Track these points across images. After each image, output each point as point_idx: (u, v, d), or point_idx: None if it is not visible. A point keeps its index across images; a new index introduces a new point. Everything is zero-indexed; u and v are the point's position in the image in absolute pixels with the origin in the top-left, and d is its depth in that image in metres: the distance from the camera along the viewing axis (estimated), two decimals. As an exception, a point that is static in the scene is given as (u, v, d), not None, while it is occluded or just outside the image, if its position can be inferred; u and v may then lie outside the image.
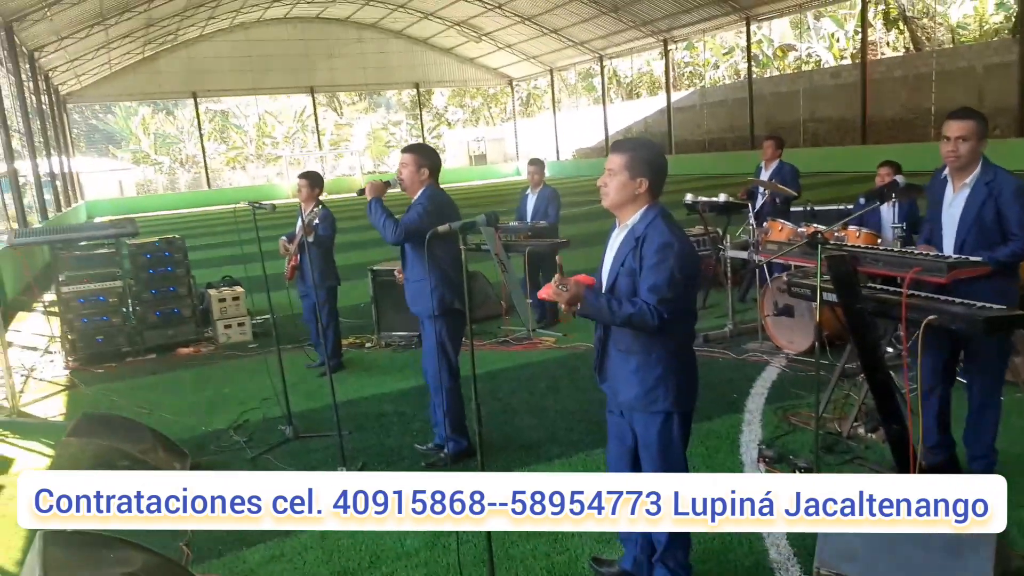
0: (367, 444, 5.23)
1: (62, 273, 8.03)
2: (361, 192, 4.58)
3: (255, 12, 37.96)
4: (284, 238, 7.09)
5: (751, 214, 7.04)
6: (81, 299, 7.96)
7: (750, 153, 30.45)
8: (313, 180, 6.89)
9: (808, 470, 4.24)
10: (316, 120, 46.68)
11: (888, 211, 6.52)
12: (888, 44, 32.79)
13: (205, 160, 44.41)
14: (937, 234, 3.92)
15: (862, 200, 3.72)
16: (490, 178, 43.86)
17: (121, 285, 8.13)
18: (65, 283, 7.99)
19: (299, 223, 7.01)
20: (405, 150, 4.60)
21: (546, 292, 2.83)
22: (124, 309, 8.14)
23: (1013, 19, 25.85)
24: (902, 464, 3.90)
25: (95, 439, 4.46)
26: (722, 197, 7.76)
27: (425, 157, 4.57)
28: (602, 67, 40.95)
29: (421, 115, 49.98)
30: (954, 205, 3.80)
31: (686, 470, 3.06)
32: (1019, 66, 21.33)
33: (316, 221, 6.46)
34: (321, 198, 6.83)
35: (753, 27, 31.59)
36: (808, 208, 6.34)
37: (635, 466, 3.14)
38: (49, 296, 11.37)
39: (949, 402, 4.07)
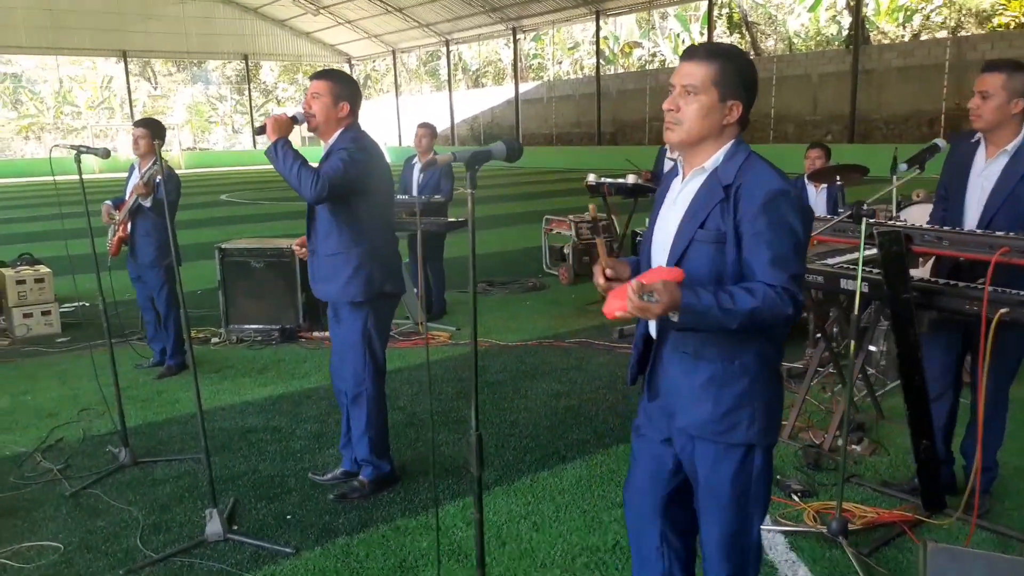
0: (236, 471, 3.98)
1: None
2: (260, 130, 3.35)
3: (57, -41, 33.53)
4: (108, 203, 5.59)
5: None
6: None
7: (597, 148, 30.76)
8: (154, 130, 5.41)
9: (807, 494, 3.55)
10: (128, 88, 42.17)
11: (817, 196, 6.09)
12: (730, 47, 34.11)
13: (-8, 126, 38.86)
14: (956, 208, 3.32)
15: (903, 166, 3.01)
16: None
17: None
18: None
19: (129, 186, 5.54)
20: (318, 75, 3.43)
21: (619, 307, 1.86)
22: None
23: (846, 32, 27.69)
24: (927, 487, 3.28)
25: None
26: (631, 179, 7.07)
27: (345, 87, 3.42)
28: (448, 51, 39.91)
29: (250, 89, 46.53)
30: (986, 174, 3.21)
31: (760, 521, 2.17)
32: (851, 75, 22.67)
33: (159, 178, 5.04)
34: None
35: (600, 22, 31.80)
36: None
37: (672, 512, 2.25)
38: None
39: (956, 411, 3.54)
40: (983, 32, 25.46)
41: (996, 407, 3.35)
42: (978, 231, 2.84)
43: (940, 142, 3.14)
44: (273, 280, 6.52)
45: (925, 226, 3.06)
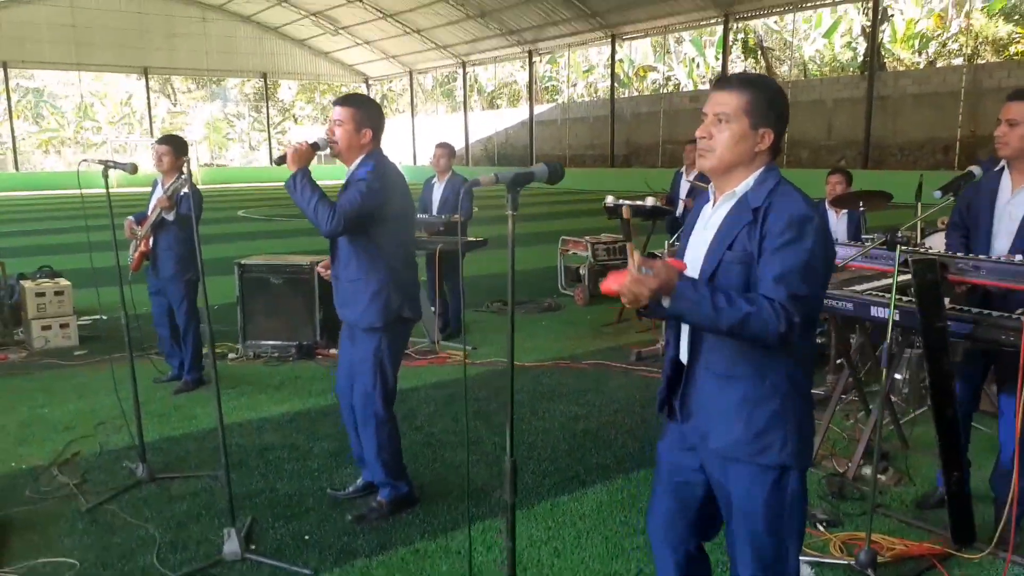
0: (253, 489, 3.95)
1: None
2: (281, 161, 3.37)
3: (83, -23, 34.08)
4: (131, 219, 5.63)
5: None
6: None
7: (611, 170, 30.82)
8: (178, 147, 5.46)
9: (832, 524, 3.49)
10: (149, 103, 42.67)
11: (838, 222, 6.04)
12: (745, 71, 34.15)
13: (14, 140, 39.30)
14: (981, 237, 3.30)
15: (938, 194, 2.99)
16: (340, 178, 41.53)
17: (-102, 270, 6.25)
18: None
19: (152, 201, 5.57)
20: (341, 102, 3.43)
21: (617, 281, 1.90)
22: (-99, 301, 6.27)
23: (861, 57, 27.78)
24: (958, 521, 3.21)
25: None
26: (649, 201, 7.06)
27: (368, 114, 3.43)
28: (464, 73, 40.21)
29: (267, 107, 47.02)
30: (1015, 202, 3.19)
31: (797, 550, 2.13)
32: (866, 101, 22.65)
33: (184, 191, 5.08)
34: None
35: (616, 46, 31.96)
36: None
37: (696, 535, 2.28)
38: None
39: (969, 426, 3.56)
40: (999, 60, 25.42)
41: None
42: (1017, 259, 2.81)
43: (976, 169, 3.13)
44: (291, 297, 6.52)
45: (959, 254, 3.02)
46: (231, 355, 6.51)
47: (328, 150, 3.42)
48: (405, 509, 3.67)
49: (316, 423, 4.90)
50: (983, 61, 25.52)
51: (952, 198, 3.00)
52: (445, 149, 7.01)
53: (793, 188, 2.01)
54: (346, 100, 3.43)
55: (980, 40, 26.71)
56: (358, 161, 3.44)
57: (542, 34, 32.63)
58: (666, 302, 1.87)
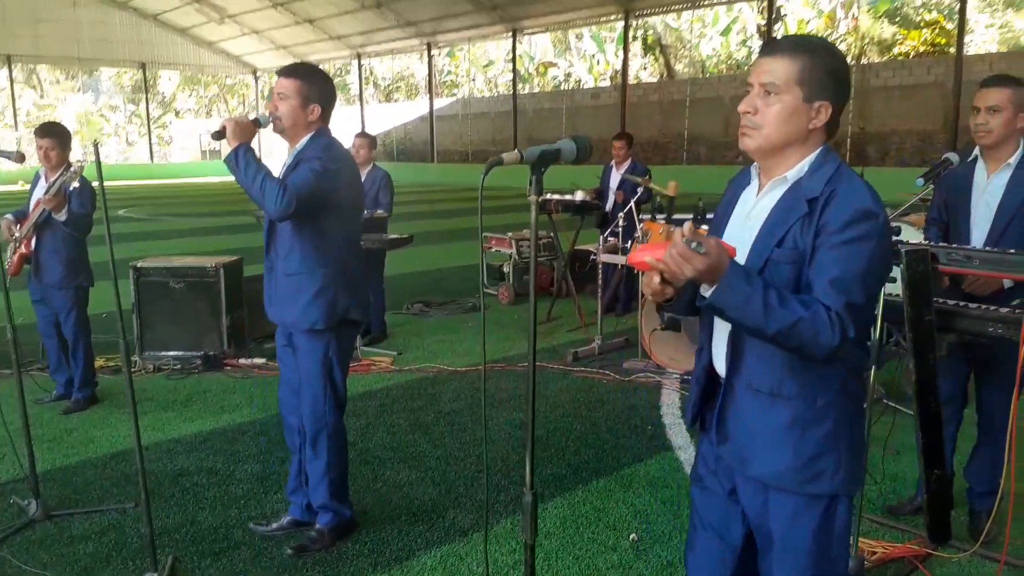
0: (171, 523, 3.47)
1: None
2: (219, 135, 2.93)
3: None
4: (10, 217, 4.98)
5: (621, 213, 6.22)
6: None
7: (519, 167, 30.68)
8: (63, 138, 4.84)
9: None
10: (12, 95, 39.45)
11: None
12: (644, 68, 34.88)
13: None
14: (960, 227, 3.24)
15: (920, 181, 2.90)
16: (226, 175, 39.69)
17: None
18: None
19: (33, 199, 4.93)
20: (286, 72, 3.02)
21: (653, 253, 1.57)
22: None
23: (756, 55, 28.62)
24: (935, 520, 3.12)
25: None
26: (579, 195, 6.85)
27: (316, 87, 3.04)
28: (360, 65, 39.18)
29: (147, 99, 44.39)
30: (990, 190, 3.13)
31: None
32: (761, 99, 23.31)
33: (74, 185, 4.50)
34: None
35: (516, 40, 31.86)
36: (700, 209, 5.57)
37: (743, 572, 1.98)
38: None
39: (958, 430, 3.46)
40: (884, 60, 26.81)
41: (1005, 424, 3.26)
42: (1012, 251, 2.72)
43: (953, 156, 3.05)
44: (194, 302, 5.96)
45: (950, 245, 2.93)
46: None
47: (271, 127, 3.02)
48: (347, 536, 3.30)
49: (234, 443, 4.42)
50: (869, 61, 26.83)
51: (931, 185, 2.89)
52: (365, 139, 6.59)
53: (856, 176, 1.72)
54: (292, 71, 3.03)
55: (867, 40, 28.13)
56: (305, 140, 3.06)
57: (441, 26, 32.10)
58: (708, 291, 1.57)
